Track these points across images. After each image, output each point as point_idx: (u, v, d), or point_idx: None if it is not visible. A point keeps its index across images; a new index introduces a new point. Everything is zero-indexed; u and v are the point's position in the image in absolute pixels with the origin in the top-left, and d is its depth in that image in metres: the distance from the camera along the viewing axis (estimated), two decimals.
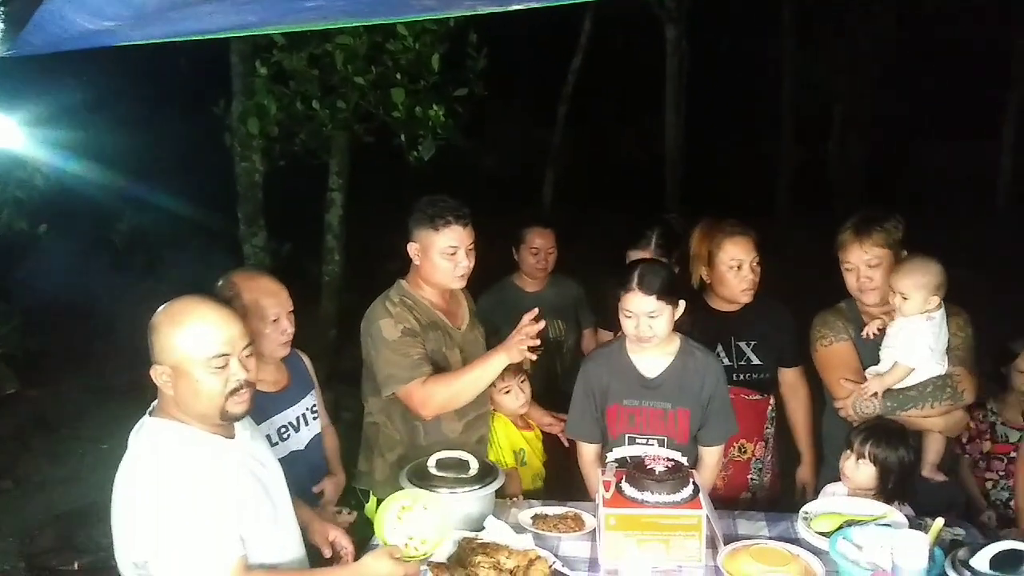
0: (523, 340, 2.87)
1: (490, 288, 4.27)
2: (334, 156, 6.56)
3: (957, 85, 14.93)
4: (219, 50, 6.30)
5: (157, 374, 2.10)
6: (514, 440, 3.44)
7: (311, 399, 3.10)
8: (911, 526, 2.65)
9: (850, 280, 3.16)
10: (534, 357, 2.94)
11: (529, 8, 1.90)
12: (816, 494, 3.17)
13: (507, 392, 3.40)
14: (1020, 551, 2.32)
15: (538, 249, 4.19)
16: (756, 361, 3.43)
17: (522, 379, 3.44)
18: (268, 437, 2.75)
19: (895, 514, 2.73)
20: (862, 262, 3.09)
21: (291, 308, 2.89)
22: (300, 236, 7.38)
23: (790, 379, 3.54)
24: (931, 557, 2.42)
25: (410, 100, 5.52)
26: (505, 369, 3.16)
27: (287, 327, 2.86)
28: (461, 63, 5.91)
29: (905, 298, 2.95)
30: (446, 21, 5.48)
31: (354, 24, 4.30)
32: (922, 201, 12.72)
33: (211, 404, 2.13)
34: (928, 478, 3.06)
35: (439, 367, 3.04)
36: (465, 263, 3.04)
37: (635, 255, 3.74)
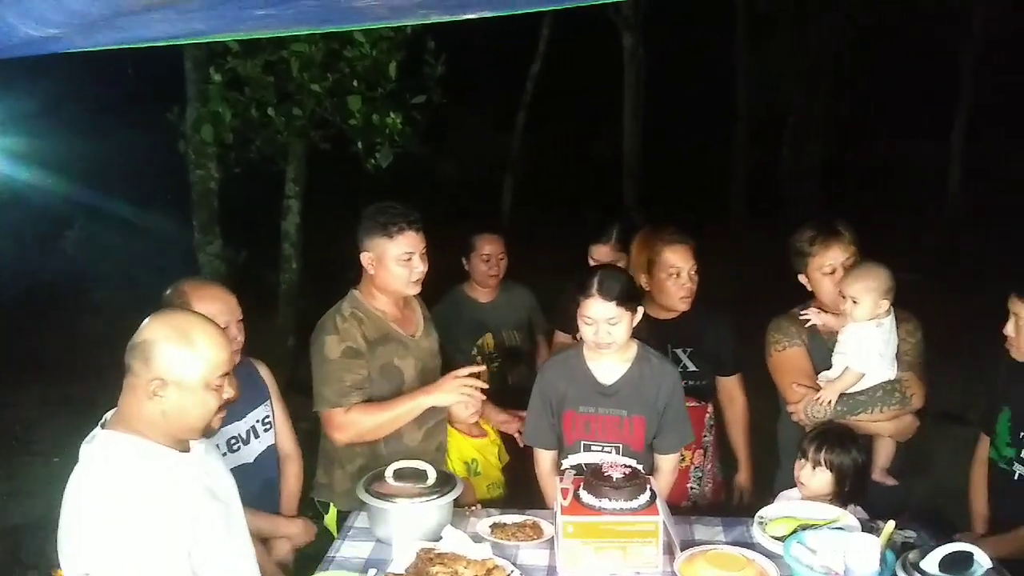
0: (456, 386, 2.95)
1: (442, 300, 4.25)
2: (290, 163, 6.50)
3: (910, 88, 15.25)
4: (173, 56, 6.22)
5: (151, 387, 2.06)
6: (464, 451, 3.41)
7: (263, 410, 3.08)
8: (863, 529, 2.68)
9: (827, 284, 3.15)
10: (474, 407, 3.09)
11: (482, 17, 1.90)
12: (764, 497, 3.20)
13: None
14: (969, 553, 2.36)
15: (489, 256, 4.18)
16: (693, 368, 3.46)
17: None
18: (217, 447, 2.72)
19: (848, 517, 2.77)
20: (840, 262, 3.12)
21: (240, 316, 2.88)
22: (256, 244, 7.31)
23: (728, 387, 3.59)
24: (883, 560, 2.46)
25: (367, 107, 5.50)
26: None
27: (236, 335, 2.84)
28: (419, 70, 5.91)
29: (856, 302, 2.99)
30: (403, 28, 5.47)
31: (306, 32, 4.27)
32: (875, 203, 12.96)
33: (202, 421, 2.14)
34: (879, 482, 3.11)
35: (391, 378, 3.05)
36: (420, 268, 3.04)
37: (597, 249, 3.80)
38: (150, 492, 2.04)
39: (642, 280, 3.49)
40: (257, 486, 2.97)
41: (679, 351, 3.47)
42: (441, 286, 4.26)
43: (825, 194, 13.83)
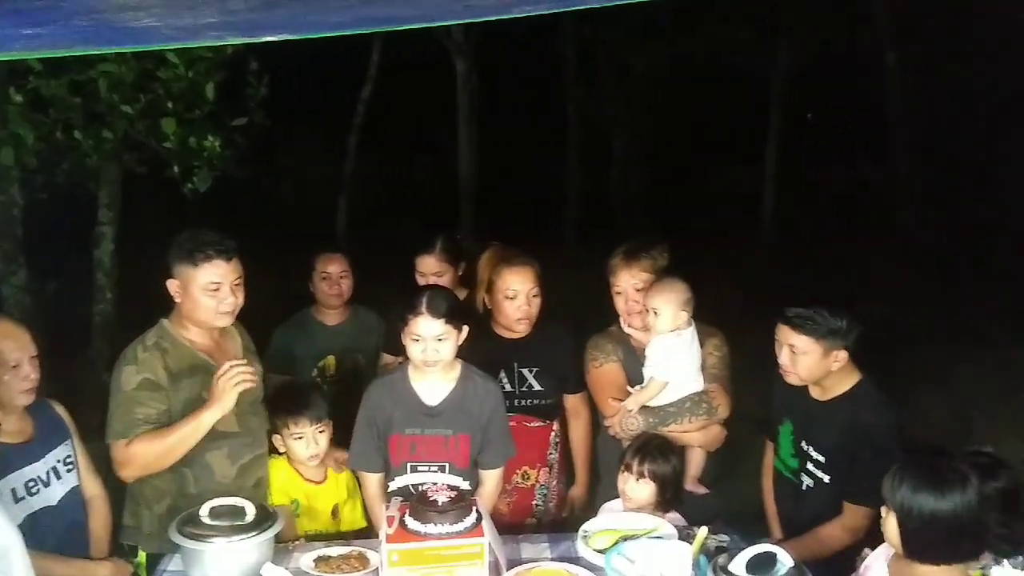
0: (224, 384, 2.81)
1: (287, 321, 4.17)
2: (103, 188, 6.14)
3: (727, 114, 16.18)
4: None
5: None
6: (290, 490, 3.22)
7: (64, 450, 2.90)
8: (680, 536, 2.78)
9: (619, 303, 3.32)
10: (247, 385, 2.87)
11: (283, 39, 1.86)
12: (589, 510, 3.28)
13: (298, 439, 3.16)
14: (773, 553, 2.49)
15: (329, 274, 4.09)
16: (537, 387, 3.47)
17: (320, 428, 3.18)
18: (13, 491, 2.60)
19: (666, 526, 2.86)
20: (630, 286, 3.26)
21: (34, 353, 2.72)
22: (67, 274, 6.84)
23: (573, 404, 3.59)
24: (696, 565, 2.56)
25: (183, 130, 5.27)
26: (298, 413, 3.12)
27: (30, 372, 2.68)
28: (241, 92, 5.74)
29: (657, 314, 3.13)
30: (222, 48, 5.30)
31: (93, 52, 4.06)
32: (697, 224, 13.64)
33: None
34: (691, 491, 3.23)
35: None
36: (231, 299, 2.90)
37: (422, 261, 3.78)
38: None
39: (485, 299, 3.51)
40: (63, 529, 2.83)
41: (524, 370, 3.47)
42: (284, 315, 4.20)
43: (651, 216, 14.42)
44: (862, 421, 2.87)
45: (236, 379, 2.81)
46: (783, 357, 2.94)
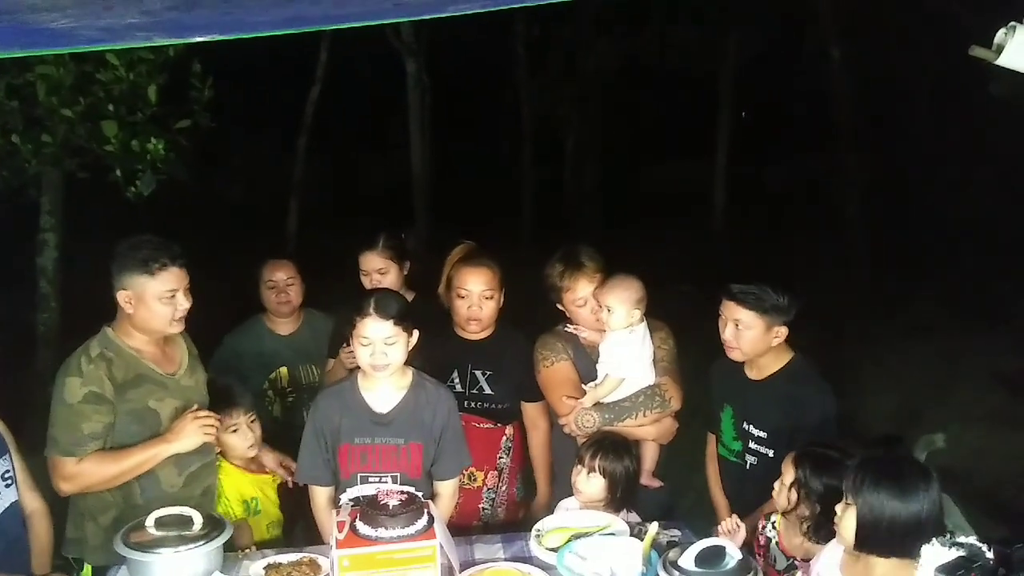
0: (197, 427, 2.86)
1: (237, 328, 4.08)
2: (45, 194, 6.01)
3: (677, 111, 16.34)
4: None
5: None
6: (243, 489, 3.24)
7: (2, 465, 2.82)
8: (632, 532, 2.80)
9: (585, 314, 3.29)
10: (209, 438, 2.94)
11: (214, 40, 1.83)
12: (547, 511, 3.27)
13: (234, 431, 3.20)
14: (722, 547, 2.51)
15: (275, 283, 3.98)
16: (488, 391, 3.44)
17: (252, 418, 3.26)
18: None
19: (618, 523, 2.88)
20: (589, 292, 3.26)
21: None
22: (10, 283, 6.69)
23: (531, 413, 3.50)
24: (648, 561, 2.58)
25: (125, 133, 5.17)
26: (233, 405, 3.15)
27: None
28: (185, 94, 5.64)
29: (610, 311, 3.14)
30: (164, 49, 5.21)
31: (13, 55, 3.96)
32: (651, 221, 13.75)
33: None
34: (646, 485, 3.25)
35: (145, 421, 2.88)
36: (184, 305, 2.89)
37: (365, 258, 3.70)
38: None
39: (444, 296, 3.49)
40: (3, 546, 2.76)
41: (477, 372, 3.45)
42: (230, 317, 4.14)
43: (605, 214, 14.50)
44: (798, 394, 2.99)
45: (205, 430, 2.87)
46: (727, 332, 3.03)
